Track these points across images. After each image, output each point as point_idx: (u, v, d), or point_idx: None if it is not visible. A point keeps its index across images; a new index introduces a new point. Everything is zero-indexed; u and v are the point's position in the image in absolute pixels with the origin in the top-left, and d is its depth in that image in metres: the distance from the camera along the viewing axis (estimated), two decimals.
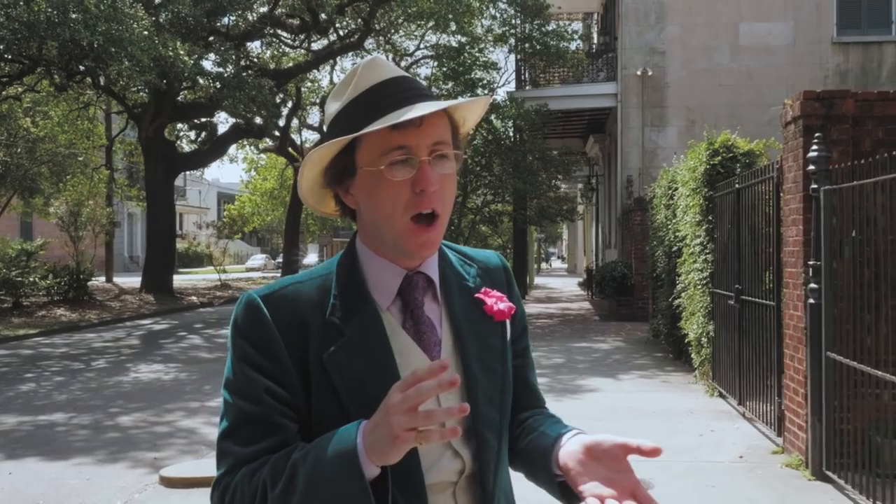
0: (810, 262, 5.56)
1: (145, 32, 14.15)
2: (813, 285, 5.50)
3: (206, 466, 6.30)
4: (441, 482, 1.29)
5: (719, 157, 8.56)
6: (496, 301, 1.38)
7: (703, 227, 8.74)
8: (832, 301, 5.38)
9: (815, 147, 5.48)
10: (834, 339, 5.36)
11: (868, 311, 5.03)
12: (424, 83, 1.16)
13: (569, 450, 1.25)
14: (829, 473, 5.37)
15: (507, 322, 1.40)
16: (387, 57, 28.31)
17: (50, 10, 12.54)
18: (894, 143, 5.47)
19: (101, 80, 17.76)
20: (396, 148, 1.25)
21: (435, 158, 1.28)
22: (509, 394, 1.38)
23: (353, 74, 1.33)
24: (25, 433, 7.57)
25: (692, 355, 9.44)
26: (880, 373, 4.74)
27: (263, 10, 21.99)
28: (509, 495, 1.40)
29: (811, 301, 5.53)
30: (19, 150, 20.96)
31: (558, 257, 74.95)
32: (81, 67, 15.90)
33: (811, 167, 5.50)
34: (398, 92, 1.29)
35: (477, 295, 1.38)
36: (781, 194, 6.31)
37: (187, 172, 34.97)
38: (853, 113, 5.69)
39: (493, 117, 20.13)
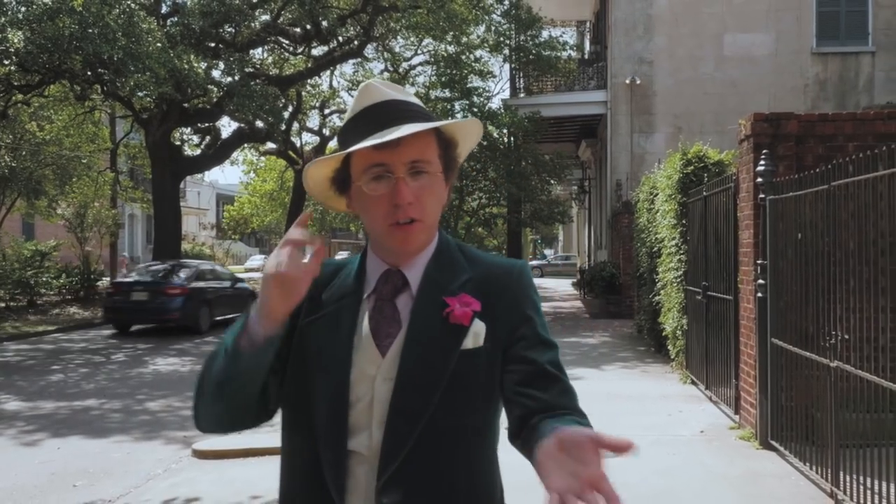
0: (759, 261, 6.41)
1: (159, 44, 14.96)
2: (761, 281, 6.36)
3: (233, 441, 7.12)
4: (359, 452, 1.41)
5: (692, 167, 9.38)
6: (459, 306, 1.45)
7: (678, 230, 9.57)
8: (776, 295, 6.23)
9: (762, 162, 6.33)
10: (777, 328, 6.21)
11: (807, 304, 5.85)
12: (417, 101, 1.50)
13: (544, 445, 1.19)
14: (774, 443, 6.23)
15: (471, 326, 1.43)
16: (385, 64, 29.15)
17: (74, 26, 13.34)
18: (833, 158, 6.23)
19: (108, 87, 18.48)
20: (376, 165, 1.40)
21: (412, 174, 1.42)
22: (454, 391, 1.41)
23: (358, 94, 1.48)
24: (65, 416, 8.40)
25: (669, 347, 10.29)
26: (813, 355, 5.57)
27: (266, 17, 22.78)
28: (455, 486, 1.43)
29: (759, 295, 6.38)
30: (24, 153, 21.59)
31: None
32: (94, 75, 16.62)
33: (759, 179, 6.35)
34: (385, 114, 1.42)
35: (444, 297, 1.46)
36: (738, 202, 7.16)
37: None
38: (797, 132, 6.54)
39: (488, 124, 20.98)
